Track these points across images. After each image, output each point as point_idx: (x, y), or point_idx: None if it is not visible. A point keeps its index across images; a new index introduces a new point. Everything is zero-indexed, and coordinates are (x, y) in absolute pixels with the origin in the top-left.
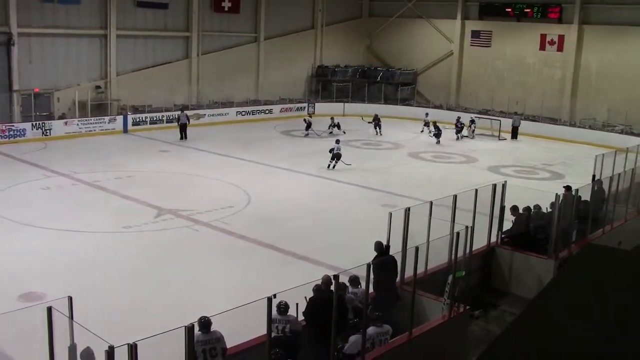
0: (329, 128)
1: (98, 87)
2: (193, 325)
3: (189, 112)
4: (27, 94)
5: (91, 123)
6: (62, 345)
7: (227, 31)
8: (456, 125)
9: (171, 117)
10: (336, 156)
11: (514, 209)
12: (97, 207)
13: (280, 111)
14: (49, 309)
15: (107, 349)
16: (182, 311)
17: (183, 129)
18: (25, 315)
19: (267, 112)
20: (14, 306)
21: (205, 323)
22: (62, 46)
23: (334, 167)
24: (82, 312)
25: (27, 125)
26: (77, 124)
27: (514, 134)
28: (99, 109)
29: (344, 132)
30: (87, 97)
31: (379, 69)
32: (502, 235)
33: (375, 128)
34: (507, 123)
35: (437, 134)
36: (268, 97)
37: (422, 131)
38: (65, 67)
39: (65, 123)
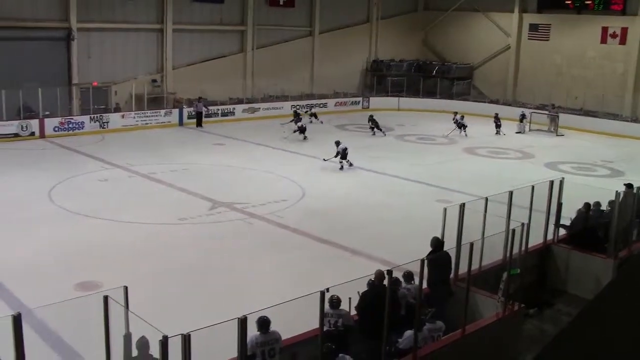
0: (309, 118)
1: (154, 80)
2: (246, 318)
3: (244, 106)
4: (86, 87)
5: (147, 116)
6: (117, 333)
7: (282, 25)
8: (495, 122)
9: (226, 111)
10: (345, 155)
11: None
12: (152, 199)
13: (335, 105)
14: (105, 298)
15: (161, 338)
16: (235, 303)
17: (199, 117)
18: (83, 304)
19: (321, 106)
20: (71, 295)
21: (264, 323)
22: (120, 40)
23: (350, 164)
24: (137, 302)
25: (86, 118)
26: (134, 117)
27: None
28: (155, 102)
29: (322, 122)
30: (143, 91)
31: (434, 63)
32: (560, 227)
33: (372, 129)
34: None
35: (374, 127)
36: (323, 91)
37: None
38: (122, 61)
39: (122, 116)
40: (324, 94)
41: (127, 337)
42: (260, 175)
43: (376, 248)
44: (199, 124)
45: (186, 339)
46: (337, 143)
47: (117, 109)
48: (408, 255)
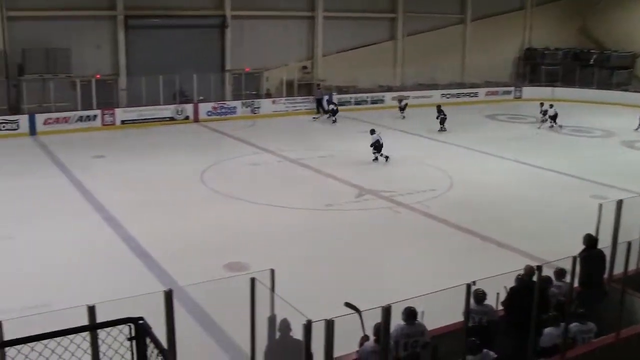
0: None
1: (305, 67)
2: (390, 307)
3: (394, 94)
4: (238, 73)
5: (297, 102)
6: (262, 315)
7: (432, 12)
8: None
9: (375, 99)
10: (380, 147)
11: None
12: (300, 185)
13: (486, 95)
14: (252, 280)
15: (305, 322)
16: (378, 292)
17: (319, 104)
18: (230, 284)
19: (472, 95)
20: (220, 274)
21: (410, 314)
22: (272, 28)
23: (385, 158)
24: (282, 285)
25: (238, 104)
26: (284, 103)
27: None
28: (305, 88)
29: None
30: (294, 77)
31: (592, 51)
32: None
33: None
34: None
35: (443, 120)
36: (473, 80)
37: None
38: (274, 48)
39: (273, 102)
40: (475, 83)
41: (272, 319)
42: (409, 164)
43: (525, 242)
44: (319, 111)
45: (329, 325)
46: (372, 132)
47: (268, 95)
48: (559, 251)
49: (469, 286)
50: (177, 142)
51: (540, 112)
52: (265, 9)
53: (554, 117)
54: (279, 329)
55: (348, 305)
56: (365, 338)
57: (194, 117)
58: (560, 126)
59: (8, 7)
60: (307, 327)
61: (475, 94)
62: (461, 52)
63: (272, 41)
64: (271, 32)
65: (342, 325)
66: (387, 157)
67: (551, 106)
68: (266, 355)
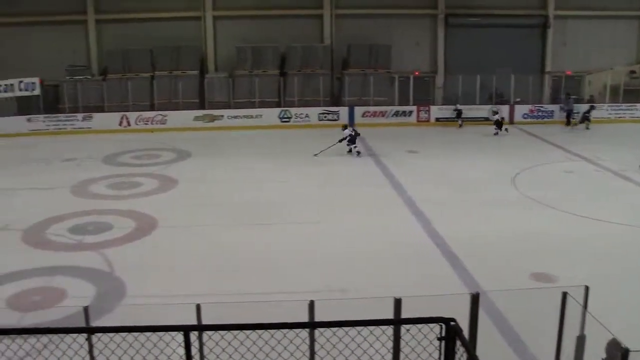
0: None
1: (632, 72)
2: None
3: None
4: (558, 76)
5: (621, 109)
6: (569, 332)
7: None
8: None
9: None
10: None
11: None
12: (618, 197)
13: None
14: (564, 294)
15: (621, 350)
16: None
17: (568, 115)
18: (537, 295)
19: None
20: (526, 284)
21: None
22: (597, 28)
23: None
24: (593, 303)
25: (555, 107)
26: (606, 109)
27: None
28: (632, 94)
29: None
30: (619, 82)
31: None
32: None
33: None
34: None
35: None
36: None
37: None
38: (598, 50)
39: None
40: None
41: (581, 339)
42: None
43: None
44: (569, 122)
45: None
46: (345, 127)
47: (590, 100)
48: None
49: None
50: (490, 143)
51: None
52: (591, 8)
53: None
54: (607, 349)
55: None
56: None
57: (509, 118)
58: None
59: (337, 6)
60: (624, 356)
61: None
62: None
63: (597, 43)
64: (597, 33)
65: None
66: (358, 152)
67: None
68: None
